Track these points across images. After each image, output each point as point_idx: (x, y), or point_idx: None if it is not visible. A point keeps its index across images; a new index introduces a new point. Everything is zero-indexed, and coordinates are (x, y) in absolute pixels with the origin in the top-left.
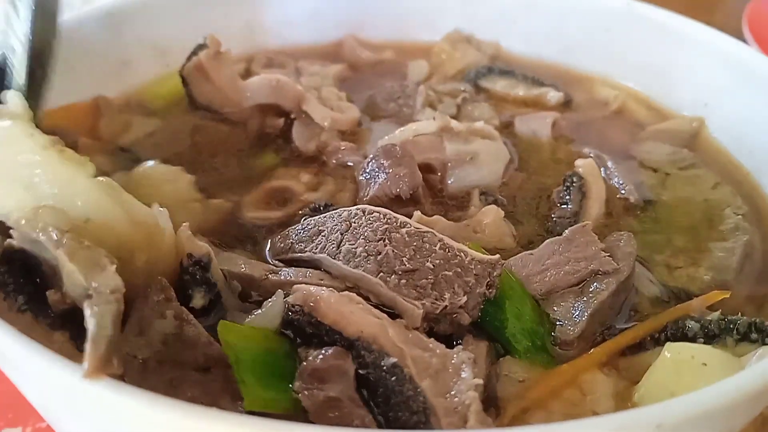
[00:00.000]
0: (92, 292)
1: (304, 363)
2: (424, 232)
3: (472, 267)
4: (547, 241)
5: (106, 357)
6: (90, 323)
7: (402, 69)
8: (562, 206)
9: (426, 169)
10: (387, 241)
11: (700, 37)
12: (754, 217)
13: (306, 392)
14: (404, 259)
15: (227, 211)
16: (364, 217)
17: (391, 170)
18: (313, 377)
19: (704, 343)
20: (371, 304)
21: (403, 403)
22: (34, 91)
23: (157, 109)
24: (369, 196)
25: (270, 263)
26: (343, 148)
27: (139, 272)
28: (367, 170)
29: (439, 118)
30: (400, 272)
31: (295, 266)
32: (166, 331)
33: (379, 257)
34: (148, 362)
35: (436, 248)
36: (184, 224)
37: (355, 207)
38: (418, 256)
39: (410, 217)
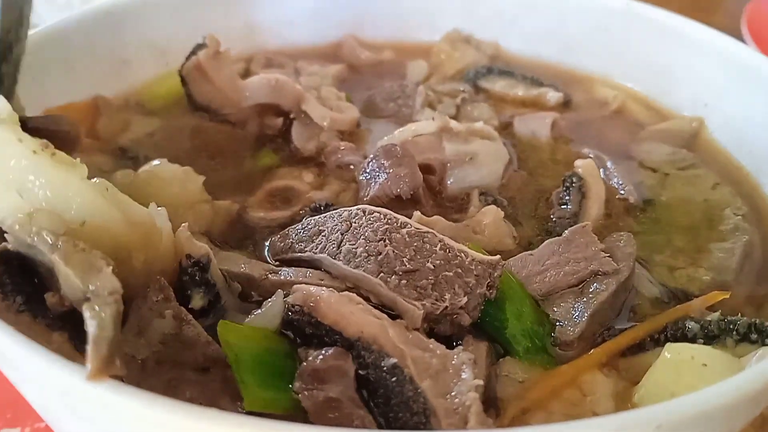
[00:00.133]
0: (90, 295)
1: (304, 363)
2: (424, 232)
3: (473, 268)
4: (547, 241)
5: (109, 358)
6: (90, 325)
7: (401, 69)
8: (562, 207)
9: (425, 169)
10: (387, 241)
11: (700, 37)
12: (754, 218)
13: (306, 393)
14: (405, 259)
15: (235, 212)
16: (364, 218)
17: (391, 170)
18: (313, 377)
19: (704, 343)
20: (371, 305)
21: (403, 403)
22: (4, 88)
23: (156, 108)
24: (369, 196)
25: (270, 263)
26: (342, 148)
27: (137, 273)
28: (368, 170)
29: (438, 118)
30: (400, 273)
31: (295, 266)
32: (165, 331)
33: (379, 257)
34: (146, 362)
35: (437, 249)
36: (183, 225)
37: (356, 207)
38: (418, 257)
39: (410, 217)
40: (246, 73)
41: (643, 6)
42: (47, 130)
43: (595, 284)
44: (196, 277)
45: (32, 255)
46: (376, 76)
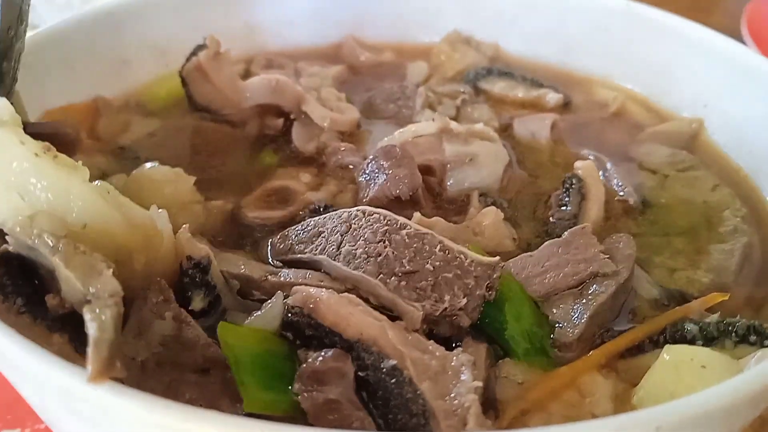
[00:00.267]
0: (91, 297)
1: (304, 365)
2: (424, 233)
3: (472, 269)
4: (547, 243)
5: (109, 360)
6: (90, 328)
7: (401, 70)
8: (562, 208)
9: (425, 170)
10: (387, 242)
11: (700, 37)
12: (754, 219)
13: (305, 394)
14: (404, 260)
15: (228, 212)
16: (364, 219)
17: (390, 171)
18: (313, 379)
19: (703, 345)
20: (371, 306)
21: (402, 405)
22: (4, 86)
23: (157, 109)
24: (369, 198)
25: (270, 264)
26: (342, 149)
27: (138, 274)
28: (367, 171)
29: (438, 119)
30: (400, 274)
31: (294, 267)
32: (165, 332)
33: (379, 259)
34: (146, 364)
35: (436, 250)
36: (183, 226)
37: (356, 208)
38: (418, 258)
39: (410, 218)
40: (246, 74)
41: (642, 7)
42: (47, 135)
43: (594, 286)
44: (197, 279)
45: (33, 257)
46: (376, 77)
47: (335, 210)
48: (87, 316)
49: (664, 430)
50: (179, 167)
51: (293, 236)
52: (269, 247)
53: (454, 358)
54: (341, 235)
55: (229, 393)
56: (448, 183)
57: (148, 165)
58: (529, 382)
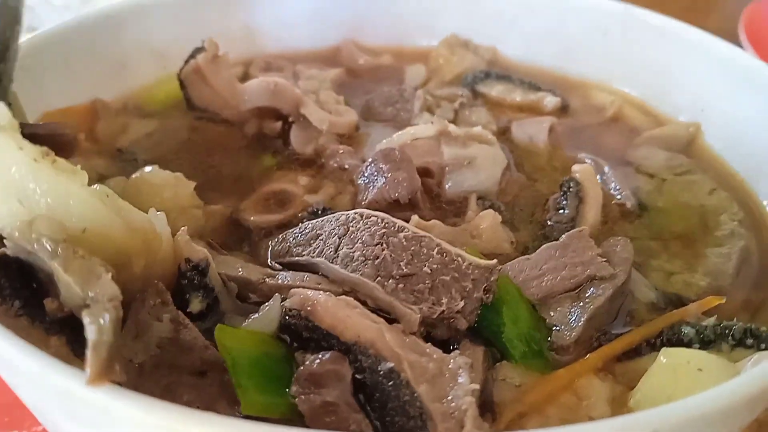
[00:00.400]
0: (90, 302)
1: (301, 367)
2: (421, 236)
3: (470, 272)
4: (544, 246)
5: (108, 363)
6: (90, 331)
7: (399, 73)
8: (559, 211)
9: (423, 173)
10: (385, 245)
11: (697, 41)
12: (750, 223)
13: (303, 397)
14: (402, 263)
15: (227, 216)
16: (362, 221)
17: (389, 174)
18: (310, 381)
19: (700, 348)
20: (369, 309)
21: (399, 407)
22: (1, 86)
23: (155, 112)
24: (367, 200)
25: (269, 266)
26: (341, 151)
27: (137, 277)
28: (366, 174)
29: (437, 122)
30: (397, 277)
31: (292, 270)
32: (163, 335)
33: (376, 261)
34: (144, 366)
35: (434, 253)
36: (182, 228)
37: (353, 211)
38: (415, 261)
39: (409, 221)
40: (245, 77)
41: (640, 10)
42: (45, 136)
43: (591, 289)
44: (195, 281)
45: (32, 261)
46: (375, 80)
47: (333, 213)
48: (86, 320)
49: None
50: (178, 170)
51: (291, 239)
52: (268, 250)
53: (452, 360)
54: (339, 238)
55: (226, 395)
56: (447, 186)
57: (148, 169)
58: (527, 384)
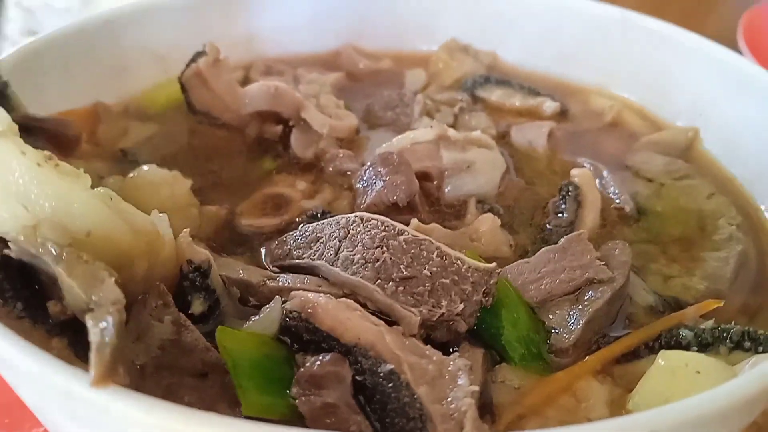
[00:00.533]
0: (93, 306)
1: (302, 369)
2: (421, 239)
3: (469, 275)
4: (543, 249)
5: (112, 366)
6: (93, 335)
7: (399, 78)
8: (558, 215)
9: (423, 177)
10: (385, 248)
11: (695, 47)
12: (748, 228)
13: (303, 398)
14: (402, 266)
15: (223, 217)
16: (362, 225)
17: (388, 178)
18: (311, 383)
19: (698, 351)
20: (369, 311)
21: (399, 409)
22: None
23: (156, 115)
24: (366, 204)
25: (267, 269)
26: (341, 155)
27: (139, 279)
28: (365, 178)
29: (436, 126)
30: (397, 279)
31: (292, 272)
32: (164, 336)
33: (376, 264)
34: (145, 367)
35: (434, 256)
36: (184, 230)
37: (354, 214)
38: (415, 264)
39: (407, 224)
40: (245, 81)
41: (638, 16)
42: (50, 130)
43: (590, 292)
44: (197, 283)
45: (35, 264)
46: (375, 84)
47: (333, 216)
48: (90, 324)
49: None
50: (177, 171)
51: (291, 242)
52: (266, 253)
53: (451, 362)
54: (339, 241)
55: (227, 397)
56: (446, 189)
57: (145, 167)
58: (526, 387)
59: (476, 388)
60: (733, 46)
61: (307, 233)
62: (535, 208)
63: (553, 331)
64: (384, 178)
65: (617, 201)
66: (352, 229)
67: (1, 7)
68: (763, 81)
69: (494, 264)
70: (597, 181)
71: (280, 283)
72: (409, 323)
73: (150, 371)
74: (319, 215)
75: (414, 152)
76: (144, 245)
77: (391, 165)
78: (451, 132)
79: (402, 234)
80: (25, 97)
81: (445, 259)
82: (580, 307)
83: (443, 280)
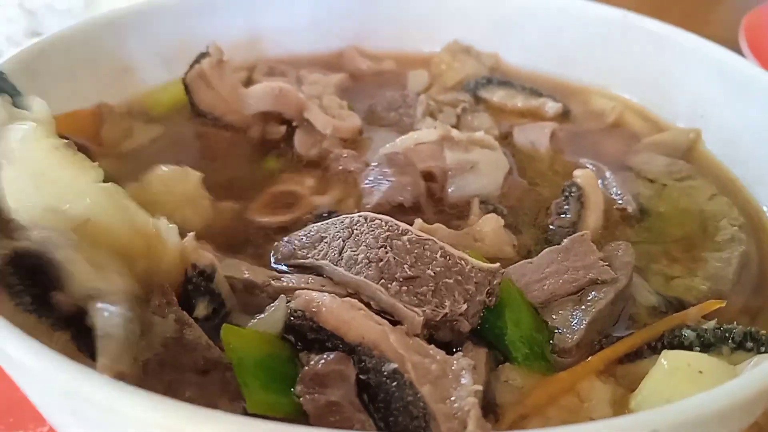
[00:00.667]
0: (98, 294)
1: (306, 367)
2: (425, 239)
3: (473, 275)
4: (546, 250)
5: (118, 355)
6: (98, 321)
7: (402, 79)
8: (561, 216)
9: (427, 177)
10: (388, 248)
11: (696, 48)
12: (750, 229)
13: (307, 396)
14: (405, 266)
15: (235, 213)
16: (366, 224)
17: (394, 179)
18: (315, 381)
19: (700, 351)
20: (372, 311)
21: (403, 408)
22: None
23: (160, 115)
24: (372, 204)
25: (274, 268)
26: (345, 155)
27: (138, 279)
28: (371, 178)
29: (440, 127)
30: (401, 279)
31: (298, 272)
32: (167, 334)
33: (380, 264)
34: (148, 364)
35: (437, 256)
36: (189, 234)
37: (357, 214)
38: (419, 264)
39: (412, 224)
40: (248, 82)
41: (639, 17)
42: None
43: (593, 292)
44: (201, 287)
45: (42, 252)
46: (378, 85)
47: (338, 215)
48: (94, 310)
49: None
50: (187, 166)
51: (296, 241)
52: (274, 251)
53: (455, 362)
54: (343, 241)
55: (228, 392)
56: (450, 190)
57: (164, 168)
58: (529, 386)
59: (479, 387)
60: (735, 47)
61: (312, 233)
62: (538, 208)
63: (556, 331)
64: (390, 179)
65: (620, 202)
66: (356, 229)
67: None
68: (763, 82)
69: (498, 264)
70: (599, 181)
71: (285, 283)
72: (412, 323)
73: (152, 368)
74: (325, 215)
75: (418, 152)
76: (142, 244)
77: (397, 165)
78: (455, 133)
79: (406, 234)
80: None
81: (449, 259)
82: (583, 307)
83: (447, 280)
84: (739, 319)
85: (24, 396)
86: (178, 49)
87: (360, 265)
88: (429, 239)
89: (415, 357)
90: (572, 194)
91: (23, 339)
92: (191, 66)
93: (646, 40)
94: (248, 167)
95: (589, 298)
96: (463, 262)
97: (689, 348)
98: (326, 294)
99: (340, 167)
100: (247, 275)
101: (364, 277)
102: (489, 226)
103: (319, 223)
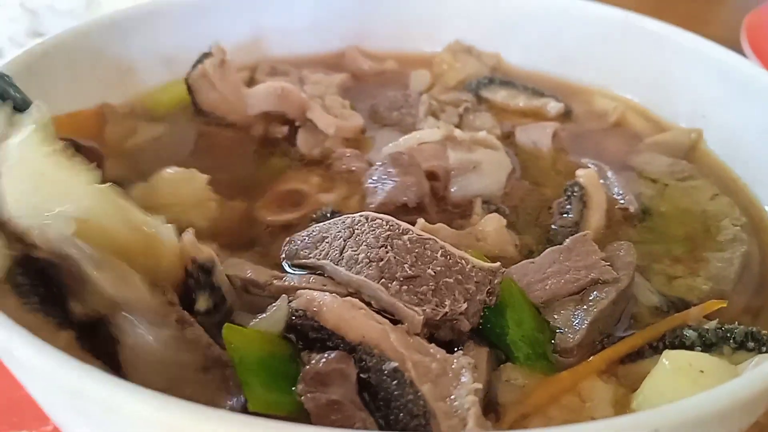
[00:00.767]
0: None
1: (307, 366)
2: (426, 239)
3: (473, 274)
4: (548, 249)
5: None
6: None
7: (404, 79)
8: (563, 216)
9: (430, 176)
10: (389, 247)
11: (698, 48)
12: (752, 229)
13: (308, 395)
14: (406, 265)
15: (242, 212)
16: (367, 224)
17: (398, 179)
18: (316, 380)
19: (702, 351)
20: (373, 310)
21: (403, 406)
22: None
23: (162, 115)
24: (376, 204)
25: (281, 267)
26: (347, 154)
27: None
28: (374, 177)
29: (443, 126)
30: (401, 279)
31: (301, 271)
32: (168, 332)
33: (380, 263)
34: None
35: (438, 255)
36: (188, 229)
37: (359, 214)
38: (419, 263)
39: (414, 224)
40: (251, 82)
41: (641, 18)
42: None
43: (595, 292)
44: (201, 281)
45: (58, 262)
46: (380, 85)
47: (341, 215)
48: (117, 322)
49: None
50: (194, 168)
51: (299, 241)
52: (280, 250)
53: (455, 360)
54: (344, 240)
55: (227, 389)
56: (452, 189)
57: (170, 170)
58: (530, 386)
59: (479, 385)
60: (736, 47)
61: (314, 233)
62: (540, 208)
63: (558, 331)
64: (394, 179)
65: (622, 201)
66: (357, 229)
67: None
68: (765, 82)
69: (498, 263)
70: (601, 181)
71: (286, 283)
72: (412, 322)
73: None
74: (328, 215)
75: (421, 152)
76: (141, 244)
77: (401, 165)
78: (458, 132)
79: (406, 233)
80: (32, 99)
81: (450, 258)
82: (585, 307)
83: (447, 279)
84: (740, 319)
85: (27, 395)
86: (180, 50)
87: (361, 264)
88: (430, 238)
89: (416, 356)
90: (574, 194)
91: (28, 338)
92: (194, 66)
93: (648, 41)
94: (252, 166)
95: (590, 298)
96: (463, 262)
97: (691, 348)
98: (327, 293)
99: (344, 166)
100: (249, 274)
101: (365, 276)
102: (491, 225)
103: (321, 223)
